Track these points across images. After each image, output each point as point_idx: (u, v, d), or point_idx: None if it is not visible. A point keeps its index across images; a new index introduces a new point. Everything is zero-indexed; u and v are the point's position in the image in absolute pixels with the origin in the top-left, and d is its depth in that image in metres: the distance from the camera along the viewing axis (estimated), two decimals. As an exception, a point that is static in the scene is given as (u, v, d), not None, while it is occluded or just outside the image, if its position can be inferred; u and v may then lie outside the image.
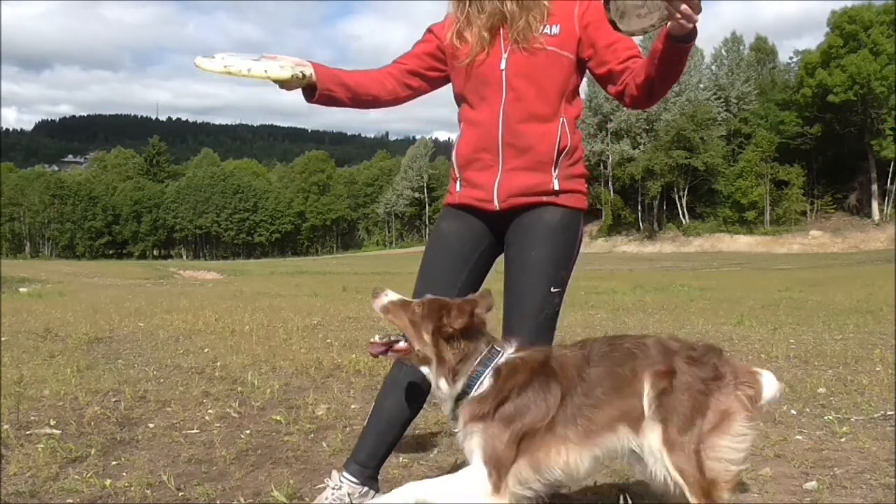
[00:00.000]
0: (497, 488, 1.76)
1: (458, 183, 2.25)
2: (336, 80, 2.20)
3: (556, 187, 2.12)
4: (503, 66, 2.12)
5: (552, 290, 2.13)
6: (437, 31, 2.29)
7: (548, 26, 2.10)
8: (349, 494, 2.19)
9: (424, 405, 2.33)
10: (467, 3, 2.17)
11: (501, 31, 2.14)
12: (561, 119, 2.13)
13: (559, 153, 2.12)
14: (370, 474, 2.23)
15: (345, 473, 2.22)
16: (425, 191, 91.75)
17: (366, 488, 2.22)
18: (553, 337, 2.18)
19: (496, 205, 2.15)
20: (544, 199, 2.13)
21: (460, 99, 2.27)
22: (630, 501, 2.40)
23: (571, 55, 2.12)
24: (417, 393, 2.25)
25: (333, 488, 2.20)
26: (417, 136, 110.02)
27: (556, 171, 2.12)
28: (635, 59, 2.06)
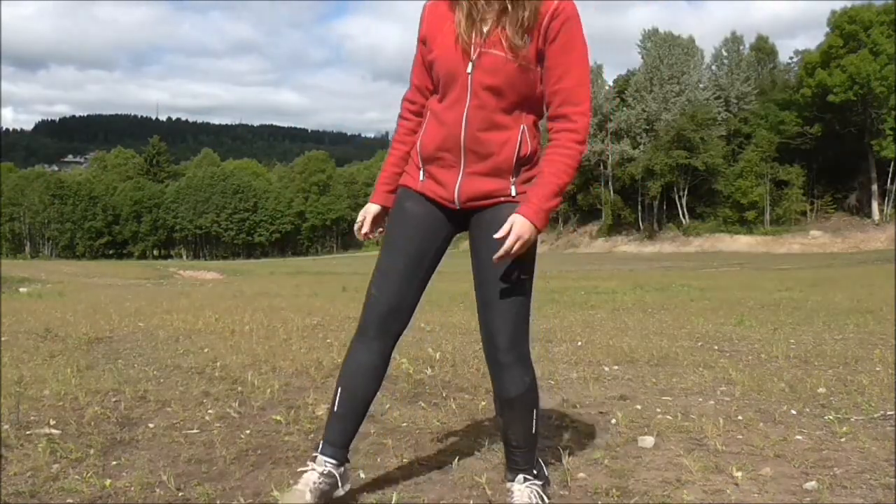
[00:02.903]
0: None
1: (421, 172, 2.26)
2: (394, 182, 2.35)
3: (514, 193, 2.16)
4: (469, 69, 2.09)
5: (521, 277, 2.18)
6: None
7: (525, 35, 2.04)
8: (330, 474, 2.23)
9: (384, 384, 2.34)
10: None
11: (475, 28, 2.08)
12: (521, 126, 2.13)
13: (518, 161, 2.14)
14: (343, 455, 2.28)
15: (324, 456, 2.25)
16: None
17: (343, 468, 2.27)
18: (528, 321, 2.24)
19: (457, 204, 2.21)
20: (502, 199, 2.17)
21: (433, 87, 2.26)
22: (630, 500, 2.40)
23: (537, 69, 2.10)
24: (379, 371, 2.29)
25: (318, 471, 2.23)
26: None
27: (515, 178, 2.16)
28: (561, 133, 2.11)
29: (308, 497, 2.18)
